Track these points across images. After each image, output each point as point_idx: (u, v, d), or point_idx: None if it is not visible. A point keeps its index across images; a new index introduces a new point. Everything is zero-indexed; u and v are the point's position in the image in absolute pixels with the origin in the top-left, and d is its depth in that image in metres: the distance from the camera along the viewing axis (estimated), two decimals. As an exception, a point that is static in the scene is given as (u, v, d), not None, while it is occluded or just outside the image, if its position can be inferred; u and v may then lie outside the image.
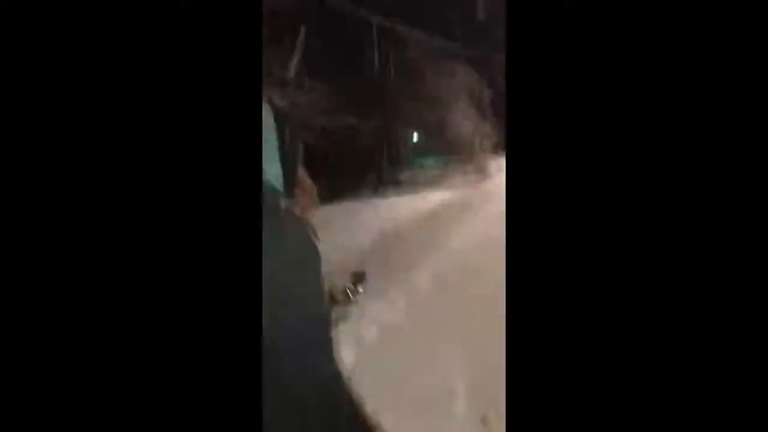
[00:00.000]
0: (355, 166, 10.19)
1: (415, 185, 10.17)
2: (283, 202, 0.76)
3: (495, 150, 11.41)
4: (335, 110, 9.51)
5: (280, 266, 0.71)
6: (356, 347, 2.51)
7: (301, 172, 1.07)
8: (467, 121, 10.24)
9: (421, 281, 3.59)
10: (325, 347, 0.75)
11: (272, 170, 0.82)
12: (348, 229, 6.08)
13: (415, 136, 10.94)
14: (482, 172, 10.28)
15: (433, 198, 8.16)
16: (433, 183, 10.14)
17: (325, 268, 0.99)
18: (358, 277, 2.90)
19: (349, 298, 2.85)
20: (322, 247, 1.02)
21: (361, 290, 2.87)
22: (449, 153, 10.90)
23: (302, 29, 7.98)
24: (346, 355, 2.31)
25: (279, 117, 0.86)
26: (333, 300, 2.78)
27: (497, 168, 10.69)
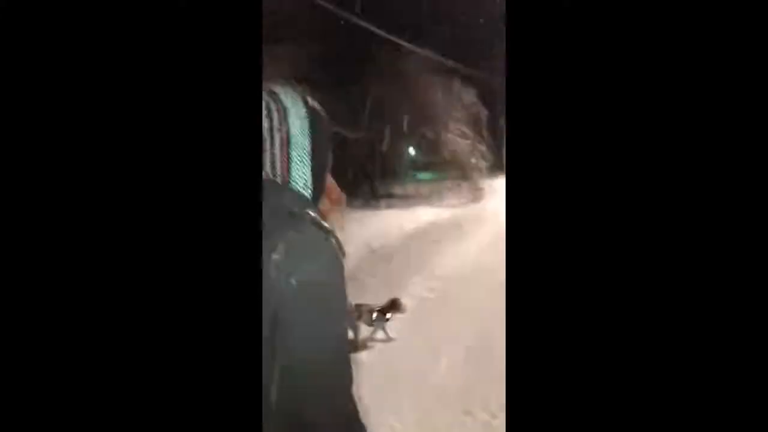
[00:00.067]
0: (348, 178, 10.15)
1: (407, 200, 10.15)
2: (311, 211, 0.73)
3: (491, 170, 11.43)
4: (331, 121, 9.49)
5: (307, 279, 0.69)
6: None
7: (330, 180, 1.02)
8: (463, 139, 10.23)
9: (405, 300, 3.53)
10: (343, 379, 0.71)
11: (301, 176, 0.78)
12: (345, 236, 5.96)
13: (412, 151, 10.91)
14: (476, 191, 10.25)
15: (424, 215, 8.10)
16: (426, 199, 10.11)
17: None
18: (394, 305, 2.78)
19: (372, 324, 2.75)
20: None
21: (389, 317, 2.76)
22: (444, 170, 10.89)
23: None
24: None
25: (315, 119, 0.79)
26: (359, 321, 2.71)
27: (491, 189, 10.70)
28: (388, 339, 2.78)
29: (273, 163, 0.74)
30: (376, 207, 9.32)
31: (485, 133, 10.61)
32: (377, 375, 2.40)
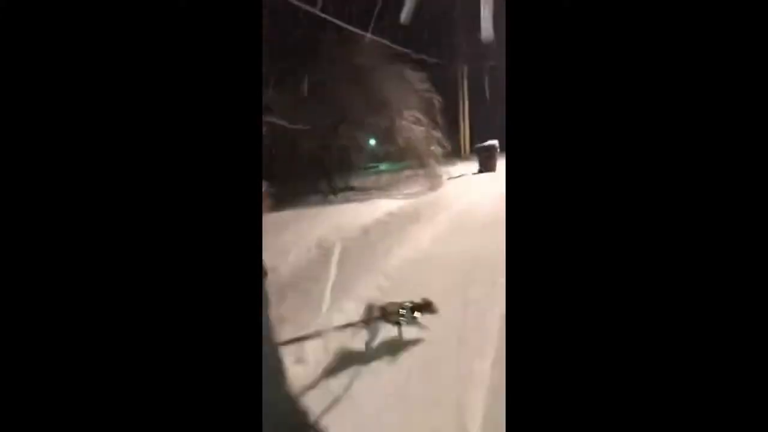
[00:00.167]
0: (306, 171, 9.85)
1: (366, 192, 9.94)
2: None
3: (447, 157, 11.34)
4: (283, 112, 9.19)
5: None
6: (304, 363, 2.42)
7: None
8: (417, 126, 10.06)
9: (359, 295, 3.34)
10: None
11: None
12: (294, 237, 5.77)
13: (372, 142, 10.67)
14: (434, 179, 10.12)
15: (381, 207, 7.89)
16: (385, 190, 9.93)
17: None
18: (426, 306, 2.61)
19: (399, 323, 2.59)
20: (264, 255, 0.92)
21: (416, 316, 2.60)
22: (401, 159, 10.71)
23: None
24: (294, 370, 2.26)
25: None
26: (381, 318, 2.56)
27: (447, 175, 10.60)
28: (400, 338, 2.64)
29: None
30: (333, 202, 9.06)
31: (440, 119, 10.46)
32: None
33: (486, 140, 12.74)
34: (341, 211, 7.66)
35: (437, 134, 10.55)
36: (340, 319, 2.76)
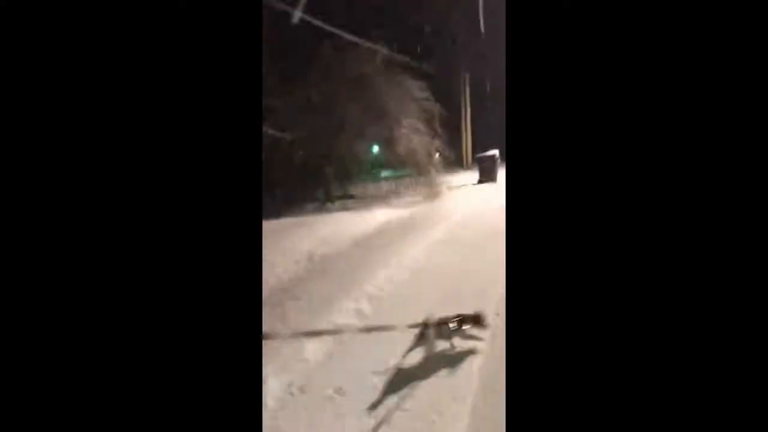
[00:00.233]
0: (303, 178, 9.78)
1: (364, 201, 9.85)
2: None
3: (447, 167, 11.23)
4: (282, 120, 9.14)
5: None
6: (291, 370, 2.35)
7: None
8: (417, 135, 9.96)
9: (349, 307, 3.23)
10: None
11: None
12: (284, 247, 5.68)
13: (368, 150, 10.58)
14: (433, 189, 10.01)
15: (378, 217, 7.79)
16: (383, 199, 9.84)
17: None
18: (475, 319, 2.51)
19: (449, 336, 2.49)
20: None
21: (465, 328, 2.51)
22: (400, 168, 10.62)
23: None
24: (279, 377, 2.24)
25: None
26: (433, 331, 2.46)
27: (447, 185, 10.48)
28: (452, 348, 2.52)
29: None
30: (330, 210, 8.97)
31: (440, 128, 10.35)
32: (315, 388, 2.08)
33: (488, 150, 12.62)
34: (335, 221, 7.56)
35: (437, 143, 10.45)
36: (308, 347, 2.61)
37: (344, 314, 3.16)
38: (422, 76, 10.48)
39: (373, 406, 2.07)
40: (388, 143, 10.08)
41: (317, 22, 8.94)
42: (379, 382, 2.26)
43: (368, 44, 9.56)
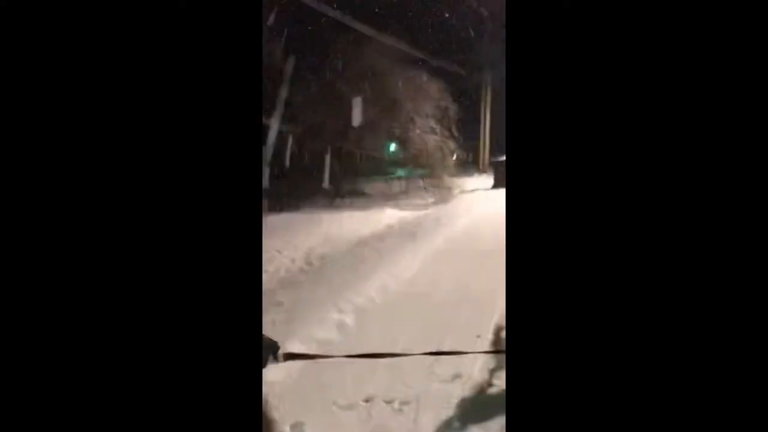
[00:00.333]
0: (313, 172, 9.57)
1: (374, 199, 9.60)
2: None
3: (462, 169, 10.92)
4: (293, 113, 8.93)
5: None
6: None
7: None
8: (431, 135, 9.65)
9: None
10: None
11: None
12: (282, 244, 5.48)
13: (391, 147, 10.31)
14: (445, 191, 9.70)
15: (384, 218, 7.54)
16: (394, 198, 9.58)
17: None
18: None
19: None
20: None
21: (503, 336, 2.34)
22: (413, 168, 10.32)
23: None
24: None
25: None
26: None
27: (460, 189, 10.16)
28: None
29: None
30: (338, 207, 8.73)
31: (455, 129, 10.02)
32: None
33: (503, 154, 12.25)
34: (340, 219, 7.34)
35: (452, 145, 10.12)
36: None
37: (325, 327, 2.89)
38: (441, 74, 10.15)
39: None
40: (400, 142, 9.81)
41: (334, 14, 8.69)
42: (346, 418, 2.00)
43: (385, 38, 9.27)
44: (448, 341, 2.73)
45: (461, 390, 2.16)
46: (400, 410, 2.05)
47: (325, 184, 9.44)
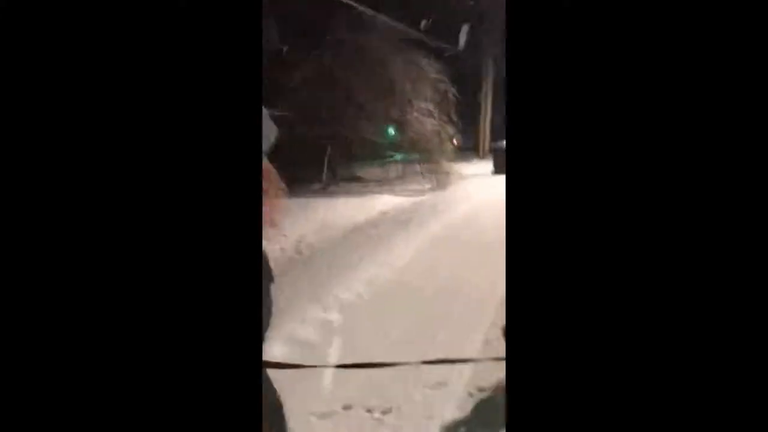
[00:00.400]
0: (308, 157, 9.32)
1: (370, 184, 9.39)
2: None
3: (461, 155, 10.69)
4: (287, 97, 8.65)
5: None
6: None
7: (266, 162, 1.08)
8: (429, 119, 9.38)
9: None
10: None
11: None
12: (272, 232, 5.29)
13: (390, 131, 10.05)
14: (442, 177, 9.47)
15: (378, 205, 7.34)
16: (390, 184, 9.37)
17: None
18: None
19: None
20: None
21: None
22: (410, 153, 10.08)
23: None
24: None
25: None
26: None
27: (458, 175, 9.95)
28: None
29: None
30: (333, 193, 8.53)
31: (454, 114, 9.76)
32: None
33: (502, 139, 11.98)
34: (335, 206, 7.14)
35: (451, 130, 9.86)
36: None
37: (307, 326, 2.71)
38: (440, 57, 9.85)
39: None
40: (397, 125, 9.55)
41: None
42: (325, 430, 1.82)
43: (383, 19, 8.94)
44: (441, 336, 2.56)
45: (450, 398, 1.98)
46: (380, 420, 1.87)
47: (324, 177, 9.19)
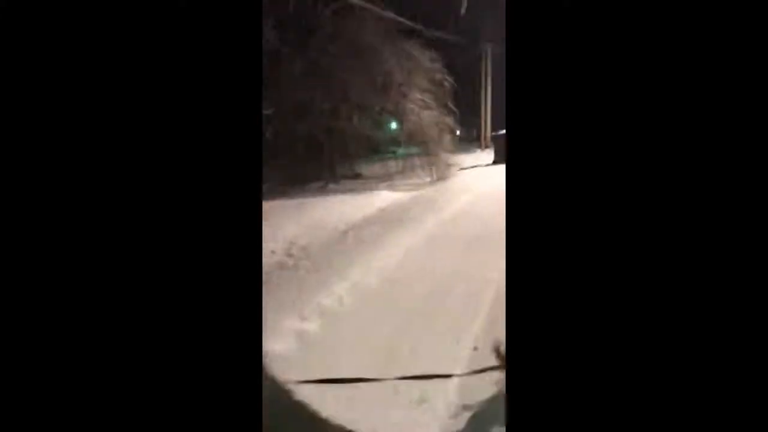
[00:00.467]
0: (306, 155, 9.15)
1: (369, 180, 9.21)
2: None
3: (462, 146, 10.47)
4: (278, 92, 8.47)
5: None
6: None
7: None
8: (426, 111, 9.16)
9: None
10: None
11: None
12: (265, 233, 5.14)
13: (394, 125, 9.86)
14: (441, 169, 9.27)
15: (377, 201, 7.17)
16: (388, 179, 9.19)
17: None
18: None
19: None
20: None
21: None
22: (408, 146, 9.88)
23: None
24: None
25: None
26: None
27: (458, 166, 9.72)
28: None
29: None
30: (332, 191, 8.35)
31: (452, 103, 9.52)
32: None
33: (503, 128, 11.72)
34: (331, 204, 6.97)
35: (449, 120, 9.63)
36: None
37: (282, 337, 2.52)
38: (436, 45, 9.59)
39: None
40: (395, 118, 9.34)
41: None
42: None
43: (373, 8, 8.70)
44: (425, 341, 2.37)
45: (431, 416, 1.79)
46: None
47: (324, 175, 9.01)
